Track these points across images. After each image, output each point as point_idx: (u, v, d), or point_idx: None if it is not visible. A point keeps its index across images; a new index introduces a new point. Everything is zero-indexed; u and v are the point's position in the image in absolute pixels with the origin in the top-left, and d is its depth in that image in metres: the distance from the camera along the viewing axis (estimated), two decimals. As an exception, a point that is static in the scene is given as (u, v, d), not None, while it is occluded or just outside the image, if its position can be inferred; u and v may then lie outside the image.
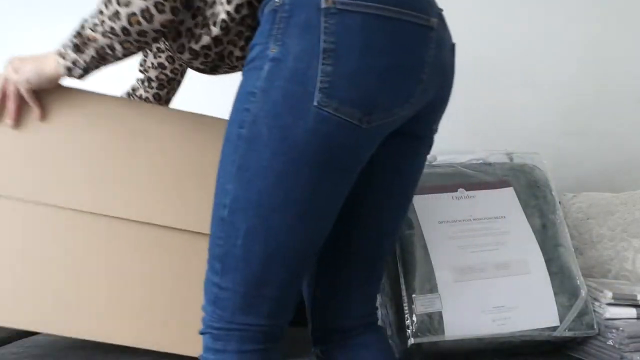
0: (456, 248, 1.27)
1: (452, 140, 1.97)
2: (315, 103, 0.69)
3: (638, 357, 1.18)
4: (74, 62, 0.90)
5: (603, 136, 2.05)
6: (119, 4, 0.80)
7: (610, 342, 1.22)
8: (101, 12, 0.83)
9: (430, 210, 1.32)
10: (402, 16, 0.72)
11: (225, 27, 0.85)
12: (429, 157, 1.50)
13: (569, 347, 1.32)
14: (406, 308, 1.21)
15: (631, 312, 1.25)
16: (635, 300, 1.25)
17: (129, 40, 0.84)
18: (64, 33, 0.92)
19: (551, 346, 1.31)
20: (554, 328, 1.24)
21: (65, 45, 0.90)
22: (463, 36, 2.06)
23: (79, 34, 0.87)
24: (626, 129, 2.09)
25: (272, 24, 0.72)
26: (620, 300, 1.26)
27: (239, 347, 0.76)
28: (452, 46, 0.85)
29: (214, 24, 0.85)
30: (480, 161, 1.48)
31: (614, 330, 1.22)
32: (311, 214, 0.75)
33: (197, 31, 0.87)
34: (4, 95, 0.98)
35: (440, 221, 1.31)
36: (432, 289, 1.22)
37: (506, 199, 1.37)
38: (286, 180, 0.72)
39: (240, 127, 0.73)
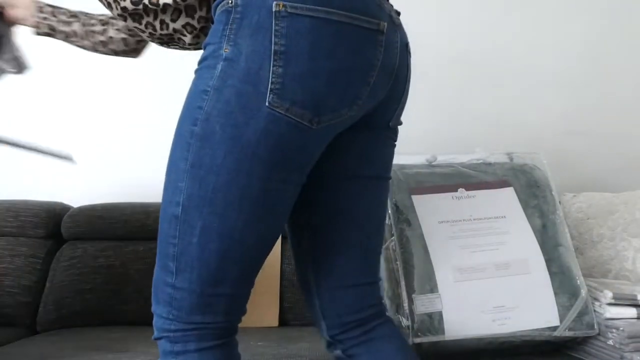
0: (456, 248, 1.27)
1: (452, 140, 1.98)
2: (266, 103, 0.71)
3: (638, 357, 1.18)
4: (38, 25, 1.02)
5: (603, 136, 2.05)
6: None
7: (610, 342, 1.22)
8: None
9: (430, 210, 1.32)
10: (351, 20, 0.74)
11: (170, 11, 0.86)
12: (429, 157, 1.50)
13: (569, 347, 1.32)
14: (406, 308, 1.21)
15: (631, 312, 1.25)
16: (636, 300, 1.25)
17: (100, 49, 1.01)
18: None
19: (551, 346, 1.31)
20: (554, 328, 1.24)
21: (48, 11, 1.04)
22: (463, 36, 2.07)
23: (64, 22, 1.00)
24: (626, 129, 2.09)
25: (225, 24, 0.73)
26: (621, 300, 1.26)
27: (198, 345, 0.76)
28: (406, 45, 0.86)
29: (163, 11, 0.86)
30: (480, 161, 1.48)
31: (614, 330, 1.22)
32: (265, 211, 0.75)
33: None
34: None
35: (441, 221, 1.31)
36: (432, 289, 1.22)
37: (506, 199, 1.37)
38: (239, 178, 0.73)
39: (193, 125, 0.74)
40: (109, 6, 0.89)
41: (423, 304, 1.20)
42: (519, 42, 2.05)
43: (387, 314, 0.95)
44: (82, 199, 1.83)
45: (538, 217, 1.37)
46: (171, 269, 0.76)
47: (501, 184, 1.39)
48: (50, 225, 1.70)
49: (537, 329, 1.23)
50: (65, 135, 1.96)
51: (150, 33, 0.90)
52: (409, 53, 0.88)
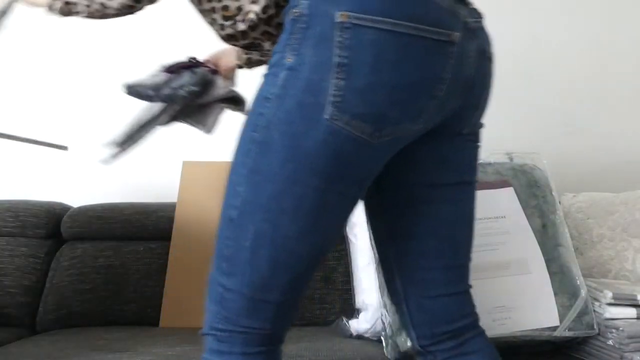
0: (456, 248, 1.27)
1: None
2: (326, 116, 0.69)
3: (638, 357, 1.18)
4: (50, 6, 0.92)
5: (603, 136, 2.05)
6: None
7: (610, 342, 1.22)
8: None
9: (430, 210, 1.32)
10: (419, 32, 0.71)
11: (252, 26, 0.86)
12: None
13: (569, 347, 1.32)
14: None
15: (631, 312, 1.25)
16: (635, 300, 1.25)
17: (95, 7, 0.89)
18: None
19: (551, 346, 1.31)
20: (554, 328, 1.24)
21: None
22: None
23: None
24: (626, 129, 2.09)
25: (290, 33, 0.73)
26: (620, 300, 1.26)
27: (244, 349, 0.76)
28: (483, 52, 0.83)
29: (243, 21, 0.86)
30: (480, 161, 1.48)
31: (614, 330, 1.22)
32: (319, 222, 0.75)
33: (222, 22, 0.88)
34: None
35: (441, 221, 1.31)
36: (432, 289, 1.22)
37: (506, 199, 1.37)
38: (295, 187, 0.72)
39: (254, 131, 0.74)
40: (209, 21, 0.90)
41: (423, 304, 1.20)
42: (519, 42, 2.04)
43: (479, 324, 0.92)
44: (82, 199, 1.83)
45: (538, 217, 1.37)
46: (224, 270, 0.77)
47: (501, 184, 1.39)
48: (50, 225, 1.70)
49: (537, 329, 1.23)
50: (65, 135, 1.95)
51: (234, 43, 0.90)
52: (489, 59, 0.85)
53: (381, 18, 0.69)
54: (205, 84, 1.04)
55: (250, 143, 0.74)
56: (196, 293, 1.57)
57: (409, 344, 1.18)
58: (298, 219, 0.73)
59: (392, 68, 0.70)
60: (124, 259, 1.65)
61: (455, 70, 0.75)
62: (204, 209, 1.68)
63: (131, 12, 0.91)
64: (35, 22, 1.98)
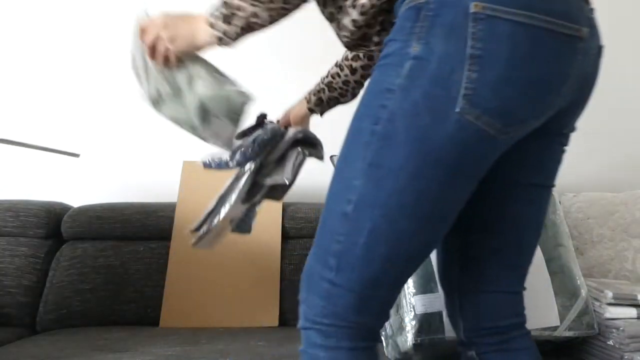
0: (456, 248, 1.27)
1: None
2: (457, 109, 0.67)
3: (638, 357, 1.18)
4: (224, 33, 0.86)
5: (603, 136, 2.05)
6: None
7: (610, 342, 1.22)
8: None
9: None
10: (552, 26, 0.68)
11: (364, 12, 0.83)
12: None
13: (569, 347, 1.32)
14: (406, 308, 1.21)
15: (631, 312, 1.25)
16: (636, 300, 1.25)
17: (273, 7, 0.82)
18: None
19: (551, 346, 1.30)
20: (554, 328, 1.24)
21: (214, 15, 0.86)
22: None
23: (226, 4, 0.84)
24: (626, 128, 2.09)
25: (415, 21, 0.70)
26: (621, 300, 1.26)
27: (351, 344, 0.76)
28: (600, 49, 0.80)
29: (353, 7, 0.84)
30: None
31: (614, 330, 1.22)
32: (436, 218, 0.73)
33: (336, 12, 0.87)
34: (154, 49, 0.94)
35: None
36: (432, 289, 1.22)
37: (506, 199, 1.37)
38: (418, 182, 0.70)
39: (375, 124, 0.71)
40: (329, 17, 0.89)
41: (423, 304, 1.20)
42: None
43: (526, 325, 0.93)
44: (82, 199, 1.83)
45: (538, 217, 1.37)
46: (331, 265, 0.75)
47: (501, 184, 1.39)
48: (50, 225, 1.70)
49: (537, 329, 1.23)
50: (65, 135, 1.96)
51: (346, 40, 0.89)
52: (601, 56, 0.82)
53: (516, 10, 0.66)
54: (276, 134, 1.03)
55: (371, 136, 0.72)
56: (196, 293, 1.57)
57: (409, 344, 1.18)
58: (415, 215, 0.72)
59: (526, 62, 0.68)
60: (124, 259, 1.64)
61: (579, 67, 0.73)
62: (204, 209, 1.68)
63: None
64: (46, 28, 1.98)
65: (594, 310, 1.27)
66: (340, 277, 0.74)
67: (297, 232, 1.70)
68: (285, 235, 1.70)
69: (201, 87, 0.94)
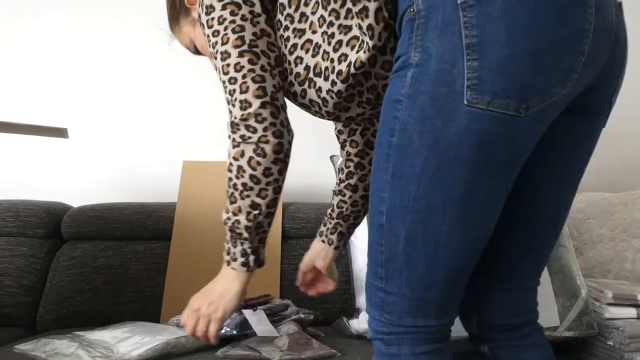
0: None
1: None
2: (465, 102, 0.67)
3: (638, 357, 1.18)
4: (244, 254, 0.89)
5: (603, 136, 2.04)
6: (235, 159, 0.83)
7: (610, 342, 1.22)
8: (230, 180, 0.85)
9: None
10: None
11: (370, 58, 0.82)
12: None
13: (569, 347, 1.32)
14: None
15: (631, 312, 1.25)
16: (636, 300, 1.25)
17: (261, 187, 0.84)
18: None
19: (551, 346, 1.30)
20: (554, 328, 1.24)
21: (227, 253, 0.91)
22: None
23: (228, 229, 0.88)
24: (626, 129, 2.09)
25: (411, 32, 0.71)
26: (621, 300, 1.26)
27: (413, 349, 0.77)
28: (619, 5, 0.77)
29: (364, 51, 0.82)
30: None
31: (614, 330, 1.22)
32: (469, 212, 0.73)
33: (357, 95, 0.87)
34: (196, 333, 0.95)
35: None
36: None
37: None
38: (442, 183, 0.71)
39: (391, 136, 0.73)
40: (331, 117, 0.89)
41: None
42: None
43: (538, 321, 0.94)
44: (82, 199, 1.83)
45: (538, 217, 1.37)
46: (380, 275, 0.78)
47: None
48: (50, 225, 1.70)
49: (537, 329, 1.23)
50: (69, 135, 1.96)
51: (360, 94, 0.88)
52: (621, 11, 0.78)
53: None
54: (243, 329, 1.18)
55: (389, 148, 0.74)
56: (196, 293, 1.57)
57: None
58: (448, 212, 0.72)
59: (528, 33, 0.66)
60: (124, 259, 1.64)
61: (596, 19, 0.69)
62: (204, 209, 1.68)
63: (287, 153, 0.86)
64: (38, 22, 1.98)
65: (594, 311, 1.27)
66: (390, 284, 0.77)
67: (296, 232, 1.70)
68: (285, 236, 1.70)
69: None
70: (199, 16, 0.89)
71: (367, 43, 0.80)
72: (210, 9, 0.85)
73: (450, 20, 0.67)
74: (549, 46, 0.67)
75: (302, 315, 1.32)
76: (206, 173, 1.75)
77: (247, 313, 1.19)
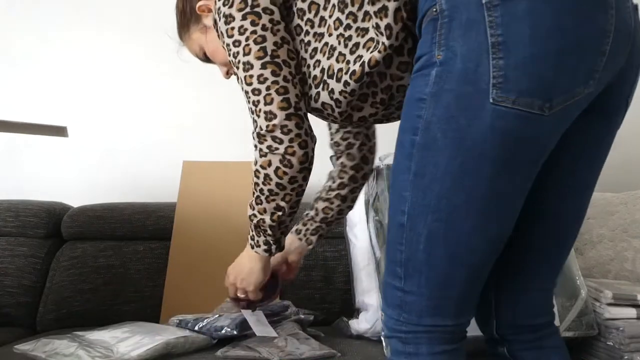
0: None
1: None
2: (490, 100, 0.67)
3: (638, 358, 1.18)
4: (266, 243, 1.00)
5: (603, 136, 2.04)
6: (262, 167, 0.88)
7: (610, 343, 1.22)
8: (256, 185, 0.91)
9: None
10: None
11: (385, 57, 0.82)
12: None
13: (569, 347, 1.31)
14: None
15: (631, 312, 1.25)
16: (635, 300, 1.25)
17: (286, 192, 0.90)
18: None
19: (551, 346, 1.30)
20: (554, 328, 1.24)
21: (251, 238, 1.02)
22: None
23: (253, 224, 0.98)
24: (626, 129, 2.08)
25: (434, 32, 0.72)
26: (621, 301, 1.26)
27: (430, 349, 0.77)
28: (636, 8, 0.77)
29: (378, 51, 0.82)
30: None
31: (614, 331, 1.22)
32: (492, 211, 0.74)
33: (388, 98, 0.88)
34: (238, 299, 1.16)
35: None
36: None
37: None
38: (465, 181, 0.71)
39: (414, 135, 0.73)
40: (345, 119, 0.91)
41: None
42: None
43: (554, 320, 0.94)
44: (82, 199, 1.83)
45: (538, 217, 1.36)
46: (399, 274, 0.78)
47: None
48: (50, 225, 1.70)
49: (537, 329, 1.23)
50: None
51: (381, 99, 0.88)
52: (638, 14, 0.78)
53: None
54: (242, 329, 1.19)
55: (412, 147, 0.74)
56: (196, 293, 1.57)
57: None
58: (471, 211, 0.73)
59: (552, 33, 0.67)
60: (124, 259, 1.64)
61: (617, 20, 0.70)
62: (204, 209, 1.68)
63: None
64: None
65: (594, 311, 1.27)
66: (408, 283, 0.77)
67: (297, 232, 1.70)
68: (285, 235, 1.70)
69: None
70: (215, 23, 0.90)
71: (383, 43, 0.80)
72: (229, 18, 0.86)
73: (475, 19, 0.68)
74: (573, 46, 0.68)
75: (302, 316, 1.32)
76: (206, 173, 1.75)
77: (246, 313, 1.19)
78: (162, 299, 1.57)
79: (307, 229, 1.20)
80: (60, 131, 1.39)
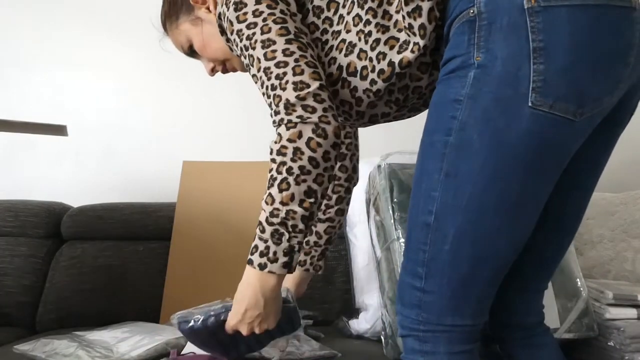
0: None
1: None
2: (529, 104, 0.69)
3: (639, 358, 1.18)
4: (289, 251, 0.79)
5: (603, 136, 2.04)
6: (291, 141, 0.76)
7: (611, 343, 1.22)
8: (281, 165, 0.76)
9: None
10: (607, 1, 0.70)
11: (418, 57, 0.81)
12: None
13: (570, 348, 1.31)
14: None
15: (631, 312, 1.25)
16: (636, 300, 1.25)
17: (319, 172, 0.77)
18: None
19: (551, 346, 1.30)
20: (555, 330, 1.24)
21: (261, 255, 0.79)
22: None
23: (276, 224, 0.78)
24: (626, 129, 2.08)
25: (471, 34, 0.72)
26: (621, 301, 1.26)
27: (449, 348, 0.78)
28: None
29: (411, 51, 0.81)
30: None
31: (614, 331, 1.22)
32: (520, 213, 0.75)
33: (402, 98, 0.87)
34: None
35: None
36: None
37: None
38: (498, 183, 0.72)
39: (447, 135, 0.73)
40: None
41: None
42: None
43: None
44: (82, 199, 1.83)
45: (538, 218, 1.36)
46: (420, 274, 0.78)
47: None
48: (50, 225, 1.70)
49: (537, 330, 1.23)
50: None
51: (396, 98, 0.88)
52: None
53: None
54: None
55: (444, 148, 0.74)
56: (196, 293, 1.57)
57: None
58: (500, 214, 0.73)
59: (589, 42, 0.69)
60: (124, 259, 1.64)
61: (639, 36, 0.73)
62: (204, 209, 1.68)
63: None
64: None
65: (594, 311, 1.27)
66: (430, 283, 0.77)
67: (297, 232, 1.70)
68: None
69: None
70: (222, 16, 0.86)
71: (417, 43, 0.79)
72: (241, 4, 0.82)
73: (517, 24, 0.69)
74: (605, 56, 0.70)
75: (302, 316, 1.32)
76: (206, 173, 1.75)
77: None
78: (162, 299, 1.57)
79: (312, 257, 1.14)
80: (60, 130, 1.39)
